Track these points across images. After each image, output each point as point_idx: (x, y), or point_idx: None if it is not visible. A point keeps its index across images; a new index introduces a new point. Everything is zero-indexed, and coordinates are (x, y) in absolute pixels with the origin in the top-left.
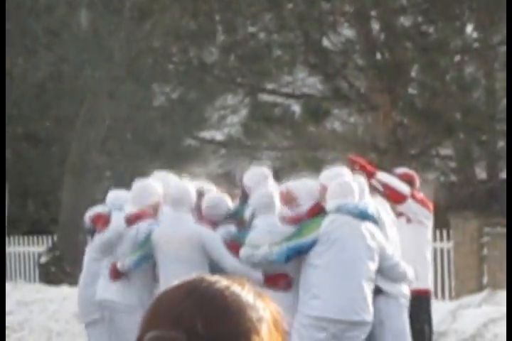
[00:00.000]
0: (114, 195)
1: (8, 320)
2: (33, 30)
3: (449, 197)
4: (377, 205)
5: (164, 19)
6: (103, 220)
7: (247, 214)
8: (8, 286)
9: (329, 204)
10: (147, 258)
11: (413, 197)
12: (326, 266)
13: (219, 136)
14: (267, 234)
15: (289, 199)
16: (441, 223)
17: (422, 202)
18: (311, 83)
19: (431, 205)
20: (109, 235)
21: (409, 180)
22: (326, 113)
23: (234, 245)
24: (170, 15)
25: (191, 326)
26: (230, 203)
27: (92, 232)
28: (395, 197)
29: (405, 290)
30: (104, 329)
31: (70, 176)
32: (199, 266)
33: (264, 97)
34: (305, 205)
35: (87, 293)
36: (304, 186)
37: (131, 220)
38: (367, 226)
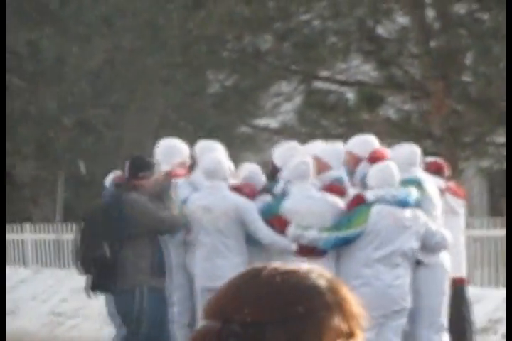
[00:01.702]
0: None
1: (63, 307)
2: (87, 18)
3: (503, 185)
4: (424, 175)
5: (219, 6)
6: None
7: (276, 189)
8: (62, 273)
9: (369, 194)
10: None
11: (447, 189)
12: (367, 258)
13: (273, 123)
14: (306, 200)
15: (319, 165)
16: (495, 211)
17: (456, 193)
18: (365, 70)
19: (463, 193)
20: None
21: (437, 170)
22: (380, 100)
23: (279, 220)
24: (224, 2)
25: (228, 315)
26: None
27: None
28: None
29: (444, 259)
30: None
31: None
32: (235, 236)
33: (319, 85)
34: (336, 170)
35: None
36: (333, 151)
37: None
38: (408, 215)
